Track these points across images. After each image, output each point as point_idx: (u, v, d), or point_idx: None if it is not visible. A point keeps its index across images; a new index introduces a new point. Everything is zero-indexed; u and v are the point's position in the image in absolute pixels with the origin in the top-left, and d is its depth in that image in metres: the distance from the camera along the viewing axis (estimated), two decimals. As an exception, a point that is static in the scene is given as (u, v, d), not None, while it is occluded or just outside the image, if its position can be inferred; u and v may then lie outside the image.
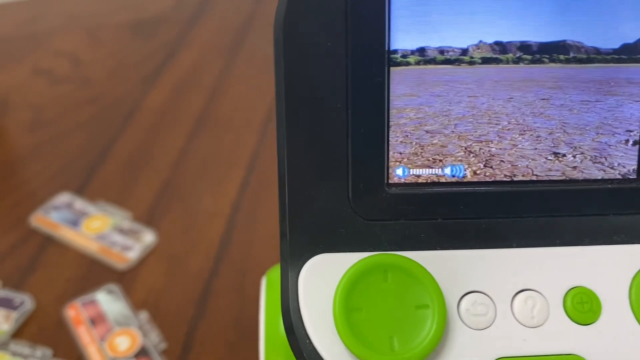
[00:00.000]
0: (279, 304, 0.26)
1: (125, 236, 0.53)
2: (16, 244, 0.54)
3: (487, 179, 0.19)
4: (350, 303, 0.17)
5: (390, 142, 0.18)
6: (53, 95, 0.73)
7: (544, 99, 0.18)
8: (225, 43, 0.82)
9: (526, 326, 0.18)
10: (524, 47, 0.18)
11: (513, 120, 0.18)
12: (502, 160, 0.18)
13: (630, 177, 0.19)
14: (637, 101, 0.18)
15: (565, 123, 0.18)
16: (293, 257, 0.18)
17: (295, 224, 0.18)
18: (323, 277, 0.18)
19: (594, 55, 0.18)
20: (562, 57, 0.18)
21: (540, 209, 0.19)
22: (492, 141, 0.18)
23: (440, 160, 0.18)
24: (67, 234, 0.54)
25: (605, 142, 0.19)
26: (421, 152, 0.18)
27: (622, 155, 0.19)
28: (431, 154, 0.18)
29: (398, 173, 0.19)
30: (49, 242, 0.54)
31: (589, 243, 0.19)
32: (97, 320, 0.46)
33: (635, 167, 0.19)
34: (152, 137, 0.66)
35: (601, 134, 0.19)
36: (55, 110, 0.70)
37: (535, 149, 0.19)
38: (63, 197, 0.58)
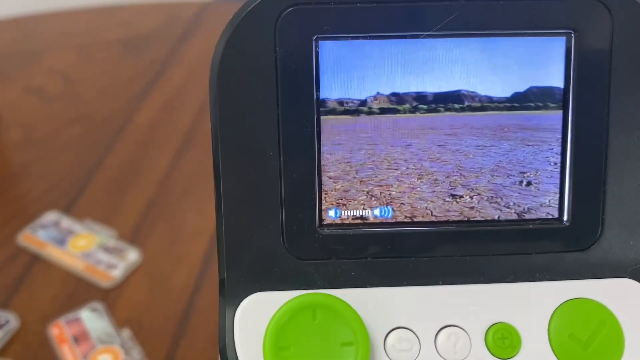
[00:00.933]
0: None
1: (110, 254, 0.55)
2: (4, 262, 0.55)
3: (397, 221, 0.20)
4: (279, 342, 0.18)
5: (322, 186, 0.19)
6: (44, 113, 0.74)
7: (440, 145, 0.19)
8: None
9: None
10: (420, 97, 0.19)
11: (411, 165, 0.20)
12: (402, 203, 0.20)
13: (546, 217, 0.20)
14: (529, 145, 0.20)
15: (461, 167, 0.20)
16: (230, 296, 0.19)
17: (232, 264, 0.19)
18: (258, 315, 0.19)
19: (487, 104, 0.19)
20: (457, 106, 0.19)
21: (466, 248, 0.20)
22: (392, 185, 0.20)
23: (344, 205, 0.19)
24: (54, 253, 0.55)
25: (500, 184, 0.20)
26: (325, 197, 0.19)
27: (517, 195, 0.20)
28: (335, 198, 0.20)
29: (330, 214, 0.20)
30: (35, 260, 0.55)
31: (512, 280, 0.20)
32: (80, 338, 0.48)
33: (530, 206, 0.20)
34: (140, 155, 0.67)
35: (496, 176, 0.20)
36: (46, 128, 0.72)
37: (434, 191, 0.20)
38: (50, 216, 0.59)
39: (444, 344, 0.19)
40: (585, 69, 0.19)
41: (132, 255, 0.55)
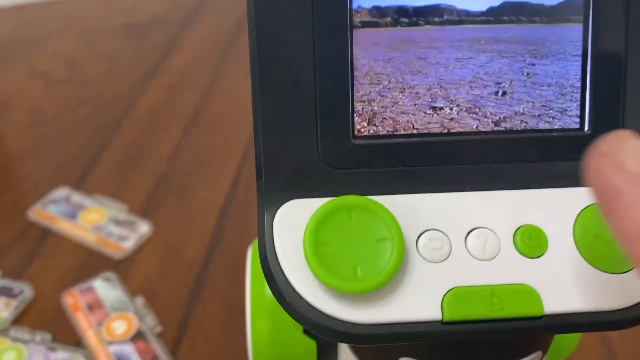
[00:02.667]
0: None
1: (121, 227, 0.55)
2: (16, 236, 0.56)
3: (426, 132, 0.21)
4: (318, 238, 0.19)
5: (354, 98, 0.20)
6: (50, 96, 0.75)
7: (421, 58, 0.20)
8: (217, 45, 0.85)
9: (479, 259, 0.20)
10: (401, 11, 0.20)
11: (393, 79, 0.20)
12: (384, 118, 0.21)
13: (550, 127, 0.21)
14: (504, 57, 0.21)
15: (441, 79, 0.21)
16: (268, 204, 0.20)
17: (270, 174, 0.20)
18: (295, 219, 0.20)
19: (465, 17, 0.20)
20: (436, 19, 0.20)
21: (493, 156, 0.21)
22: (374, 100, 0.20)
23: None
24: (65, 226, 0.56)
25: (478, 95, 0.21)
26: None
27: (493, 105, 0.21)
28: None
29: (363, 125, 0.21)
30: (47, 234, 0.56)
31: (537, 186, 0.21)
32: (94, 306, 0.49)
33: (504, 115, 0.21)
34: (148, 134, 0.68)
35: (474, 87, 0.21)
36: (52, 110, 0.73)
37: (415, 104, 0.21)
38: (61, 192, 0.60)
39: (474, 244, 0.20)
40: None
41: (143, 228, 0.55)
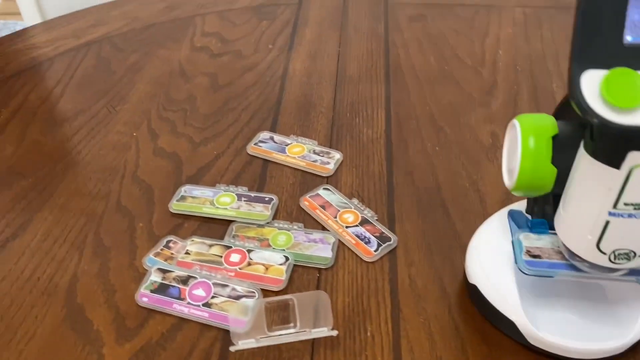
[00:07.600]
0: (531, 129, 0.48)
1: (320, 156, 0.77)
2: (245, 164, 0.76)
3: None
4: (609, 84, 0.38)
5: None
6: (217, 65, 0.95)
7: None
8: (333, 19, 1.05)
9: None
10: None
11: None
12: None
13: None
14: None
15: None
16: (577, 71, 0.39)
17: (581, 54, 0.39)
18: (593, 77, 0.39)
19: None
20: None
21: None
22: None
23: None
24: (279, 157, 0.77)
25: None
26: None
27: None
28: None
29: (627, 38, 0.38)
30: (267, 163, 0.77)
31: None
32: (325, 206, 0.70)
33: None
34: (307, 91, 0.89)
35: None
36: (225, 75, 0.93)
37: None
38: (264, 134, 0.81)
39: None
40: None
41: (337, 155, 0.77)
